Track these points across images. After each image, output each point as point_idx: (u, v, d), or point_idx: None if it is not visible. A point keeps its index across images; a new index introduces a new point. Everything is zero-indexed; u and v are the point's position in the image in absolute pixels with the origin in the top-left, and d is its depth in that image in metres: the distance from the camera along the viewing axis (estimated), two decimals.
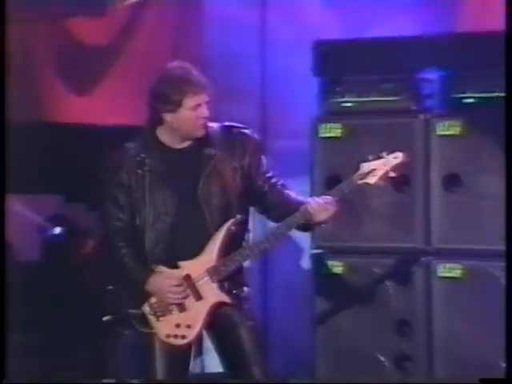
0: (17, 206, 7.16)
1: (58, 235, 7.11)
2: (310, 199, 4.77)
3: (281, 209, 4.79)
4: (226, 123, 4.87)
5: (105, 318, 4.89)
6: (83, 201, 6.68)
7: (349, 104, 6.40)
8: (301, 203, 4.77)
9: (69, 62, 7.65)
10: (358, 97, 6.41)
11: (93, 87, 7.69)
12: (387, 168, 4.72)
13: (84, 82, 7.69)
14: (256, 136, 4.89)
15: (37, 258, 7.19)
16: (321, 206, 4.68)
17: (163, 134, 4.73)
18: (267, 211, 4.88)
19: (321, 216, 4.66)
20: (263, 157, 4.87)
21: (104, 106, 7.63)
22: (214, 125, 4.80)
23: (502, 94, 5.99)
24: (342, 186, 4.81)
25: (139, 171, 4.74)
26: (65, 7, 7.67)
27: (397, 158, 4.74)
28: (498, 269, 6.00)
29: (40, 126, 7.18)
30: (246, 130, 4.85)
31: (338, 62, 6.45)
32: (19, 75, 7.42)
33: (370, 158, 4.78)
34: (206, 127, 4.75)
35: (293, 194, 4.87)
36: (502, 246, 5.93)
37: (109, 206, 4.81)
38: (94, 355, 6.60)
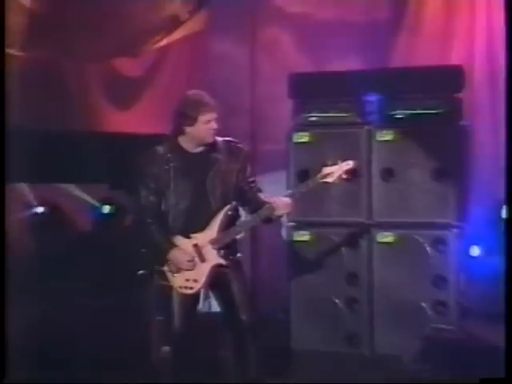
0: (77, 191, 7.71)
1: (106, 212, 7.58)
2: (274, 198, 5.21)
3: (253, 205, 5.24)
4: (227, 138, 5.30)
5: (139, 272, 5.50)
6: (123, 188, 6.98)
7: (314, 118, 6.79)
8: (267, 202, 5.21)
9: (114, 88, 8.21)
10: (321, 113, 6.80)
11: (131, 106, 8.20)
12: (341, 172, 5.22)
13: (124, 102, 8.21)
14: (246, 149, 5.33)
15: (90, 229, 7.70)
16: (281, 204, 5.20)
17: (183, 142, 5.18)
18: (244, 205, 5.31)
19: (280, 212, 5.18)
20: (249, 165, 5.30)
21: (139, 120, 8.04)
22: (219, 138, 5.24)
23: (423, 111, 6.55)
24: (309, 183, 5.33)
25: (166, 167, 5.19)
26: (111, 49, 8.12)
27: (348, 164, 5.23)
28: (420, 236, 6.49)
29: (92, 135, 7.63)
30: (239, 144, 5.31)
31: (306, 88, 6.85)
32: (78, 99, 8.03)
33: (329, 163, 5.24)
34: (215, 137, 5.20)
35: (263, 195, 5.29)
36: (423, 219, 6.48)
37: (142, 190, 5.21)
38: (130, 299, 6.61)
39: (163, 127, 6.04)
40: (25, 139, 6.61)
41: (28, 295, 6.45)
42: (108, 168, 7.08)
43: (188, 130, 5.12)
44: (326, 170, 5.21)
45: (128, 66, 8.35)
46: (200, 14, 8.22)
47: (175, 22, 8.24)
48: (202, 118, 5.10)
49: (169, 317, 5.28)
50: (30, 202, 7.68)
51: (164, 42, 8.30)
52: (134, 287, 6.10)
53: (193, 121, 5.11)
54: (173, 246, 5.17)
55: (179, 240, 5.18)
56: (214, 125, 5.13)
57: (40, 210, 7.55)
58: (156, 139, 5.80)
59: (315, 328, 6.63)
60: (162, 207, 5.25)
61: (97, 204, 7.74)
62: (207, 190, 5.21)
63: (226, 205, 5.19)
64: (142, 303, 6.17)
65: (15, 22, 7.47)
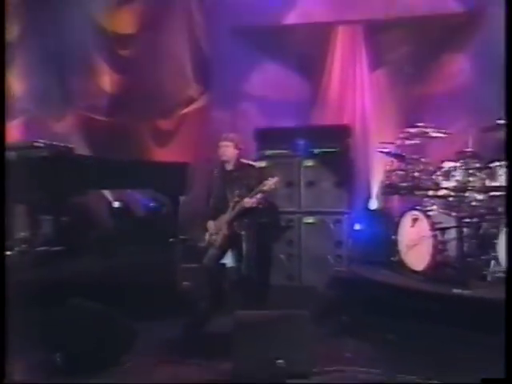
0: (134, 194, 8.74)
1: (152, 205, 8.46)
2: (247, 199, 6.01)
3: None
4: (246, 161, 6.20)
5: (170, 239, 7.04)
6: (161, 191, 7.74)
7: (268, 153, 7.88)
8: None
9: (156, 135, 9.29)
10: (272, 150, 7.86)
11: (165, 146, 9.22)
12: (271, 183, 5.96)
13: (162, 144, 9.23)
14: (257, 166, 6.24)
15: (141, 215, 8.65)
16: (248, 200, 6.02)
17: (224, 163, 6.25)
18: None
19: (247, 205, 6.02)
20: (255, 175, 6.08)
21: (170, 154, 8.96)
22: (244, 161, 6.18)
23: (329, 149, 7.48)
24: (256, 190, 6.03)
25: (214, 175, 6.29)
26: (154, 114, 9.28)
27: (275, 179, 5.98)
28: (328, 219, 7.52)
29: (143, 162, 8.39)
30: (252, 164, 6.26)
31: (264, 136, 7.93)
32: (135, 141, 9.05)
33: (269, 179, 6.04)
34: (237, 161, 6.14)
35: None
36: (329, 209, 7.34)
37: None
38: (170, 254, 7.08)
39: (185, 158, 7.69)
40: (105, 166, 7.21)
41: (104, 252, 7.39)
42: (153, 180, 7.40)
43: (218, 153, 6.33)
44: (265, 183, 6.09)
45: (164, 124, 9.38)
46: (205, 95, 9.23)
47: (191, 99, 9.29)
48: (219, 149, 6.27)
49: (196, 263, 6.14)
50: (109, 199, 8.57)
51: (184, 111, 9.34)
52: (167, 248, 7.17)
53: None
54: (208, 223, 6.24)
55: (211, 221, 6.28)
56: (222, 154, 6.24)
57: (116, 204, 8.46)
58: (180, 166, 7.25)
59: (270, 271, 7.26)
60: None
61: (146, 200, 8.53)
62: (228, 192, 6.15)
63: (237, 201, 6.11)
64: (173, 257, 7.13)
65: (99, 103, 8.77)
